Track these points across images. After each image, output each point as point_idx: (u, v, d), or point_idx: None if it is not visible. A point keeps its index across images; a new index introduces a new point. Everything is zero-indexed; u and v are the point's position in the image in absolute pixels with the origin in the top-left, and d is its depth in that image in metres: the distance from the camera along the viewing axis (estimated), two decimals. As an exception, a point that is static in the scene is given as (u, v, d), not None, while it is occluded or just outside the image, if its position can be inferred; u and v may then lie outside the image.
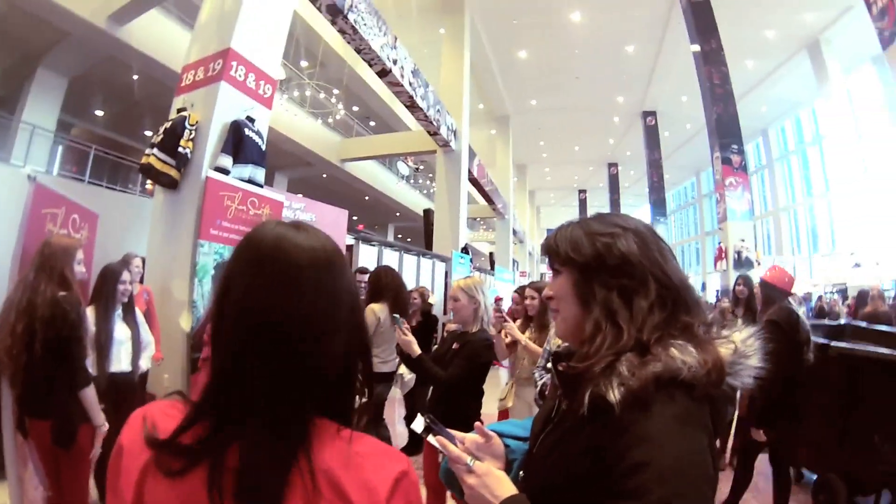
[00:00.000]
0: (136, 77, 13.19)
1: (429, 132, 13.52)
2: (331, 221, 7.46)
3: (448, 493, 3.06)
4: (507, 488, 0.99)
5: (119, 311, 3.49)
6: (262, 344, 0.74)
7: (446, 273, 11.84)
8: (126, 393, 3.48)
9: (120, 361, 3.49)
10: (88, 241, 3.89)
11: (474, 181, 17.05)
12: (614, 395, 0.87)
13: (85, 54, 12.15)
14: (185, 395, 0.81)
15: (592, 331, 1.00)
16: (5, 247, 3.02)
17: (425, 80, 12.04)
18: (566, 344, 1.17)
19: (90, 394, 2.72)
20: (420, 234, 14.75)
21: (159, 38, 11.66)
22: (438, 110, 12.90)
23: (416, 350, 2.97)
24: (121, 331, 3.49)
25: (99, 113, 16.38)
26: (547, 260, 1.15)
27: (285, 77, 15.44)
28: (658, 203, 26.53)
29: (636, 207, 39.63)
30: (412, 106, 11.86)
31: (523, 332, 4.12)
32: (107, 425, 2.81)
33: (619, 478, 0.82)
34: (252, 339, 0.74)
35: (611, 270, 1.01)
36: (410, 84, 11.21)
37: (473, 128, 16.63)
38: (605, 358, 0.93)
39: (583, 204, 40.17)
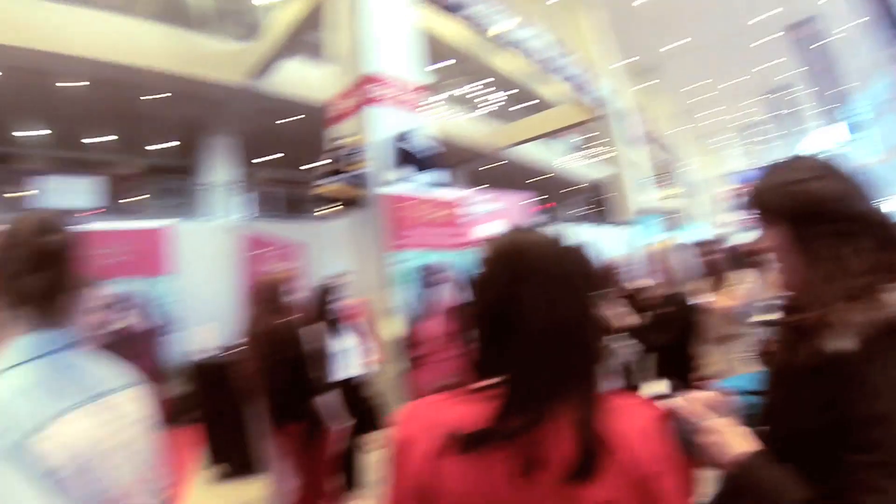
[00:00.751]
0: (293, 119, 14.53)
1: (583, 101, 13.22)
2: (515, 208, 7.52)
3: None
4: (745, 444, 0.96)
5: (338, 325, 3.89)
6: (559, 342, 0.84)
7: (635, 238, 11.40)
8: (357, 395, 4.03)
9: (347, 368, 3.95)
10: (299, 269, 4.36)
11: (642, 138, 16.30)
12: (843, 345, 0.85)
13: (244, 113, 13.67)
14: (451, 386, 0.91)
15: (812, 280, 0.99)
16: (230, 289, 3.48)
17: (563, 51, 11.73)
18: (781, 295, 1.15)
19: (330, 398, 3.08)
20: (603, 203, 14.41)
21: (301, 78, 12.75)
22: (585, 77, 12.52)
23: (630, 320, 2.98)
24: (344, 341, 3.91)
25: (272, 157, 18.23)
26: (752, 212, 1.12)
27: (429, 82, 15.88)
28: (844, 118, 23.18)
29: (816, 129, 35.17)
30: (558, 78, 11.62)
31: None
32: (348, 423, 3.16)
33: (854, 430, 0.82)
34: (550, 339, 0.84)
35: (821, 216, 0.99)
36: (550, 58, 11.00)
37: (626, 84, 15.84)
38: (829, 307, 0.92)
39: (760, 141, 36.30)
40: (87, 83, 11.55)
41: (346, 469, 3.80)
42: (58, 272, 1.02)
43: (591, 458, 0.78)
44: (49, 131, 14.26)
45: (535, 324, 0.84)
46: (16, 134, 14.26)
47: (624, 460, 0.79)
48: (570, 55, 11.89)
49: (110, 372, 1.10)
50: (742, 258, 3.62)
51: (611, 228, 11.09)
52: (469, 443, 0.80)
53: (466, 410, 0.84)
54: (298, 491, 3.25)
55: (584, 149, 25.80)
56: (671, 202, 27.64)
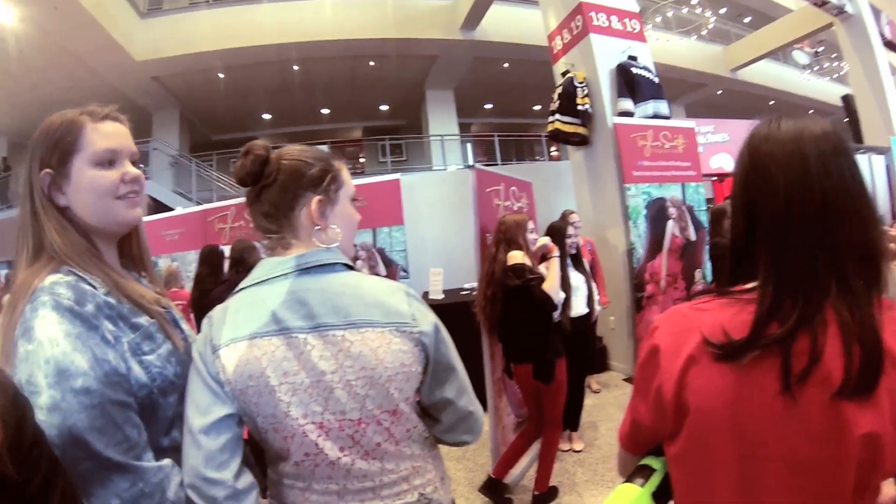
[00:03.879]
0: (506, 65, 14.60)
1: (815, 4, 11.22)
2: (743, 137, 6.95)
3: None
4: None
5: (568, 264, 3.87)
6: (830, 232, 0.75)
7: (887, 167, 9.71)
8: (584, 331, 4.04)
9: (577, 306, 3.94)
10: (529, 206, 4.42)
11: (890, 44, 13.54)
12: None
13: (457, 65, 14.11)
14: (713, 291, 0.85)
15: None
16: (456, 235, 3.58)
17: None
18: None
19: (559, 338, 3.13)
20: (844, 128, 12.43)
21: (510, 23, 12.71)
22: None
23: None
24: (575, 279, 3.90)
25: (488, 106, 18.57)
26: None
27: (640, 7, 14.82)
28: None
29: None
30: None
31: None
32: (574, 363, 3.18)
33: None
34: (819, 229, 0.75)
35: None
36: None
37: None
38: None
39: None
40: (309, 62, 13.01)
41: (568, 408, 3.82)
42: (284, 202, 1.07)
43: (868, 370, 0.68)
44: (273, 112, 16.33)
45: (800, 213, 0.76)
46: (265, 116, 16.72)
47: None
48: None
49: (341, 304, 1.01)
50: None
51: (864, 154, 9.49)
52: (724, 352, 0.74)
53: (724, 316, 0.78)
54: (522, 427, 3.37)
55: (823, 63, 22.39)
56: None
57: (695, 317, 0.81)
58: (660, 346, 0.83)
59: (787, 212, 0.77)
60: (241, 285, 1.07)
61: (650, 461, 0.91)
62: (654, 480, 0.88)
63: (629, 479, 0.89)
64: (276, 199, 1.07)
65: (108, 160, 1.02)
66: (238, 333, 0.99)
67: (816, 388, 0.69)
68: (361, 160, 17.18)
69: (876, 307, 0.73)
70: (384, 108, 17.31)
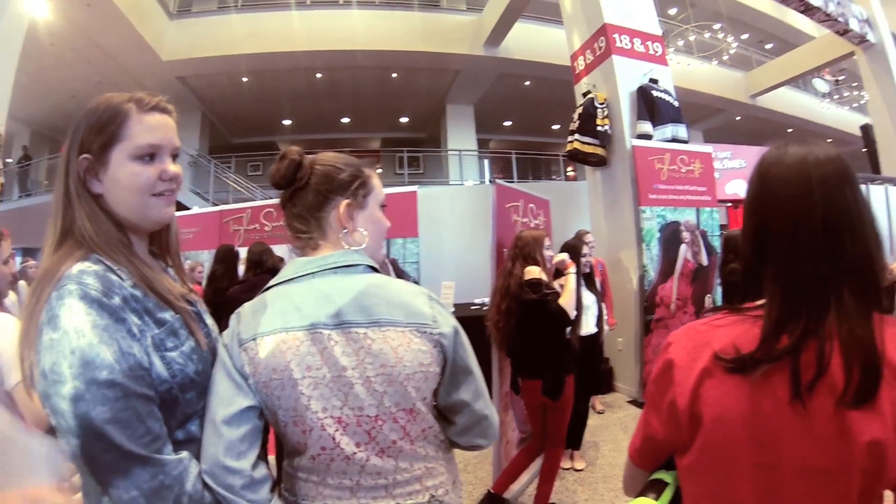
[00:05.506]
0: (527, 83, 14.66)
1: (837, 33, 11.12)
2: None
3: None
4: None
5: (580, 283, 3.89)
6: (830, 250, 0.79)
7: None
8: (592, 350, 4.07)
9: (587, 325, 3.96)
10: (546, 224, 4.44)
11: None
12: None
13: (478, 81, 14.23)
14: (727, 309, 0.88)
15: None
16: (470, 249, 3.61)
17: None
18: None
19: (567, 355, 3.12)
20: (862, 158, 12.30)
21: (533, 42, 12.79)
22: (839, 2, 10.58)
23: None
24: (587, 298, 3.93)
25: (507, 123, 18.64)
26: None
27: (662, 31, 14.77)
28: None
29: None
30: (807, 9, 10.00)
31: None
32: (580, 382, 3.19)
33: None
34: (819, 247, 0.79)
35: None
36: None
37: (889, 7, 13.03)
38: None
39: None
40: (333, 70, 13.19)
41: (572, 427, 3.80)
42: (314, 204, 1.12)
43: (866, 380, 0.71)
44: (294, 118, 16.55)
45: (804, 233, 0.80)
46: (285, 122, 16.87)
47: None
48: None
49: (366, 304, 1.04)
50: None
51: (880, 185, 9.37)
52: (735, 365, 0.78)
53: (736, 332, 0.82)
54: (526, 443, 3.37)
55: (843, 92, 22.15)
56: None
57: (709, 332, 0.85)
58: (674, 360, 0.86)
59: (792, 232, 0.81)
60: (271, 283, 1.10)
61: (661, 475, 0.93)
62: (668, 494, 0.90)
63: (642, 494, 0.92)
64: (307, 201, 1.12)
65: (148, 154, 1.01)
66: (265, 328, 1.02)
67: (824, 398, 0.73)
68: (378, 171, 17.25)
69: (876, 323, 0.76)
70: (404, 120, 17.46)
